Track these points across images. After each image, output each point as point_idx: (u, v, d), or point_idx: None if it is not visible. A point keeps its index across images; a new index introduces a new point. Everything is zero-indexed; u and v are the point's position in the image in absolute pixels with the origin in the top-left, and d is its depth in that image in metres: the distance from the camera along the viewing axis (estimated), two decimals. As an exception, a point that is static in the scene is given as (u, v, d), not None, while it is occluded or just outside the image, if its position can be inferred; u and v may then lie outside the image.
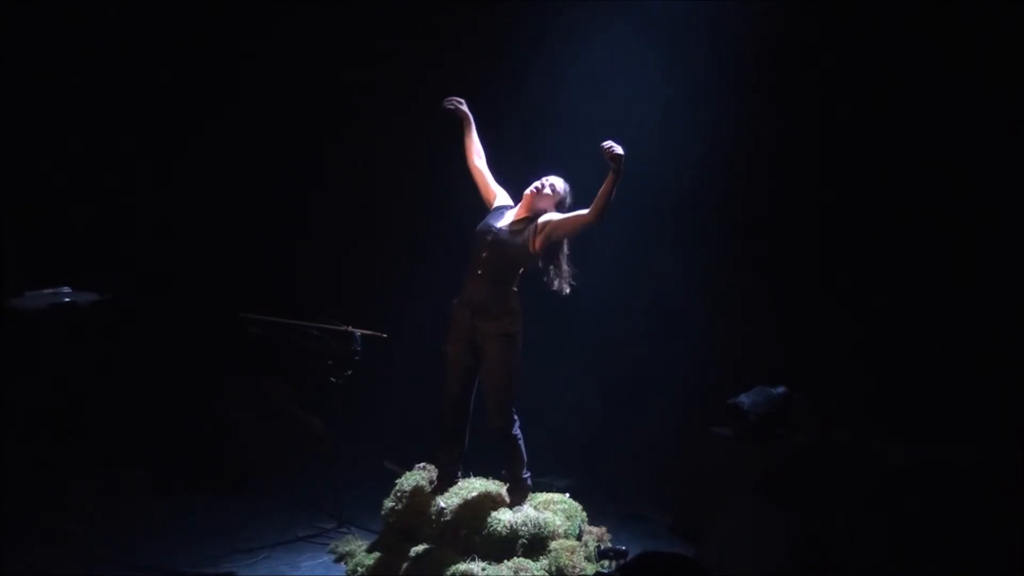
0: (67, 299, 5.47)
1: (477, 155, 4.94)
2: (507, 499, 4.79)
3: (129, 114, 6.68)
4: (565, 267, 4.72)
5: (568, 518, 4.79)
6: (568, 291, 4.73)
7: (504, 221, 4.72)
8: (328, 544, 5.12)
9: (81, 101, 6.51)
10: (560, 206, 4.73)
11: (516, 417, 4.74)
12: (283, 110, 6.86)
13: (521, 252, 4.63)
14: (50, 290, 5.50)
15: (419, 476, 4.97)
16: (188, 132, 6.81)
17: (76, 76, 6.46)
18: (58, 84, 6.42)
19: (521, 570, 4.42)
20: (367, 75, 6.86)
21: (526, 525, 4.57)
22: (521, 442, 4.77)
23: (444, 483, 4.86)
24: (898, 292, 5.95)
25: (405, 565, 4.60)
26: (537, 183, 4.70)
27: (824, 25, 6.11)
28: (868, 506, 4.93)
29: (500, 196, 4.91)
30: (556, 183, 4.74)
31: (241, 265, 6.78)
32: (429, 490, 4.87)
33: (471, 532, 4.62)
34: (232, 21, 6.76)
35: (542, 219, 4.64)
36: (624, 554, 4.61)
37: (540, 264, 4.72)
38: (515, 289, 4.68)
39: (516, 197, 4.85)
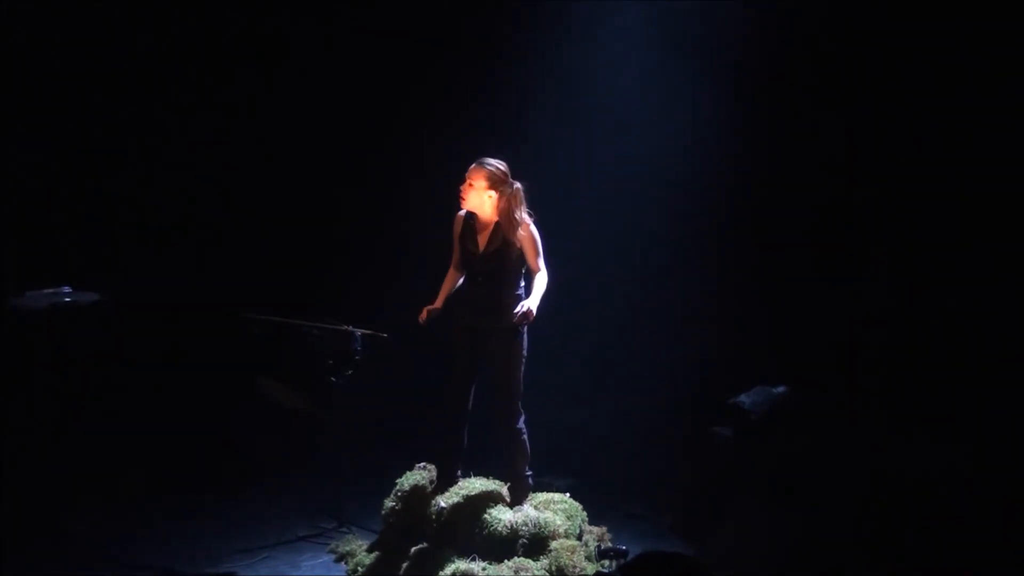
0: (67, 299, 5.48)
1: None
2: (507, 498, 4.80)
3: (130, 114, 6.67)
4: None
5: (568, 518, 4.78)
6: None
7: (482, 239, 4.72)
8: (328, 544, 5.12)
9: (83, 101, 6.51)
10: (505, 184, 4.64)
11: (522, 412, 4.77)
12: (286, 111, 6.85)
13: (513, 258, 4.67)
14: (50, 290, 5.51)
15: (419, 476, 4.97)
16: (190, 132, 6.80)
17: (78, 75, 6.45)
18: (59, 84, 6.41)
19: (521, 570, 4.42)
20: (370, 77, 6.85)
21: (526, 525, 4.57)
22: (525, 437, 4.79)
23: (444, 483, 4.86)
24: (898, 292, 5.95)
25: (405, 565, 4.60)
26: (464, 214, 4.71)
27: (823, 24, 6.12)
28: (867, 506, 4.94)
29: (458, 227, 4.83)
30: (475, 182, 4.63)
31: (241, 265, 6.77)
32: (429, 490, 4.87)
33: (471, 532, 4.62)
34: (233, 22, 6.76)
35: (519, 241, 4.65)
36: (624, 554, 4.59)
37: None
38: (519, 293, 4.72)
39: None
